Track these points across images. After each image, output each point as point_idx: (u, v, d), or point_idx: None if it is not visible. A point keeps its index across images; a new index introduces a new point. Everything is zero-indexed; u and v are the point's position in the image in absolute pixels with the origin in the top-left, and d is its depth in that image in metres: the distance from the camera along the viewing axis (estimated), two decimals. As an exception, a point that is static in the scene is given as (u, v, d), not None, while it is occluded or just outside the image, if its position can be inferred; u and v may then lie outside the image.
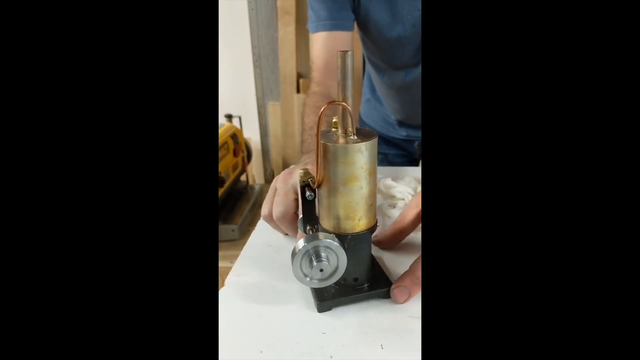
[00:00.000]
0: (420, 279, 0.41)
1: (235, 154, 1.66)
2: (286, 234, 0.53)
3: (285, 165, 2.10)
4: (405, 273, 0.42)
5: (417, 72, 0.80)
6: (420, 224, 0.48)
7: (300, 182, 0.41)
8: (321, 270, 0.38)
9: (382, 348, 0.35)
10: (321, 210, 0.40)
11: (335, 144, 0.36)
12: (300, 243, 0.37)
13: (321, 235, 0.37)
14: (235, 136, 1.68)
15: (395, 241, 0.49)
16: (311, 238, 0.37)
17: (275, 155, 2.24)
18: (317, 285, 0.39)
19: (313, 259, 0.37)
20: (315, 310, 0.40)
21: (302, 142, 0.65)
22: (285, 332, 0.37)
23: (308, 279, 0.39)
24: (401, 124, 0.94)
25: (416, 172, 0.72)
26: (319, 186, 0.39)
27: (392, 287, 0.41)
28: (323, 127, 0.61)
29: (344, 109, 0.37)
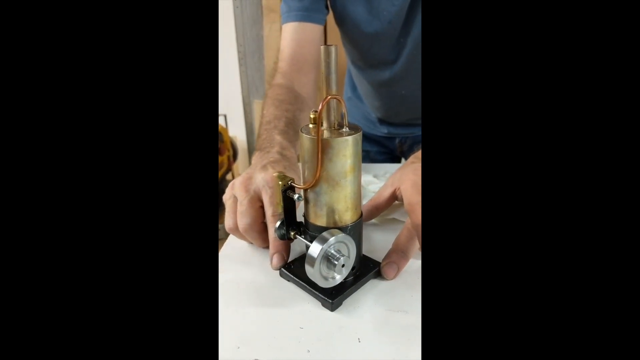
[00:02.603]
0: (405, 252, 0.44)
1: (220, 153, 1.66)
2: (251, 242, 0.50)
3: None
4: (391, 250, 0.44)
5: (396, 69, 0.80)
6: (395, 201, 0.51)
7: (281, 187, 0.40)
8: (343, 265, 0.38)
9: (359, 342, 0.36)
10: (314, 209, 0.40)
11: (337, 138, 0.36)
12: (315, 248, 0.36)
13: (327, 234, 0.37)
14: (220, 134, 1.67)
15: (371, 216, 0.52)
16: (322, 240, 0.37)
17: (261, 154, 2.23)
18: (337, 282, 0.39)
19: (332, 259, 0.37)
20: (289, 307, 0.40)
21: (258, 136, 0.60)
22: (262, 327, 0.37)
23: (330, 279, 0.39)
24: (382, 121, 0.94)
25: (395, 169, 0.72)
26: (314, 185, 0.38)
27: (382, 265, 0.43)
28: (282, 124, 0.59)
29: (337, 103, 0.37)
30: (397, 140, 0.96)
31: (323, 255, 0.37)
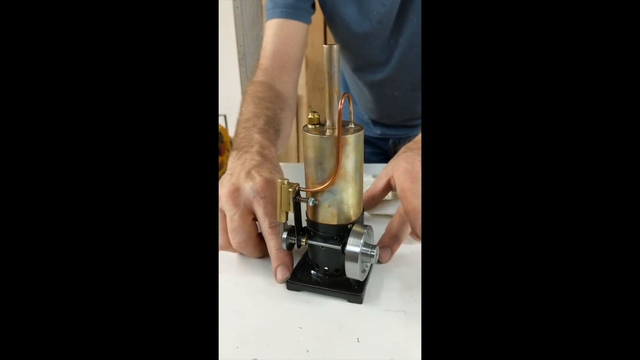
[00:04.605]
0: (398, 237, 0.46)
1: (220, 153, 1.66)
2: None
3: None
4: (384, 235, 0.47)
5: (388, 70, 0.80)
6: (390, 192, 0.52)
7: (291, 194, 0.38)
8: (377, 254, 0.40)
9: (358, 341, 0.36)
10: (328, 209, 0.39)
11: (352, 134, 0.37)
12: (354, 247, 0.38)
13: (354, 233, 0.39)
14: (220, 135, 1.67)
15: (368, 207, 0.53)
16: (357, 236, 0.39)
17: (261, 154, 2.23)
18: (367, 273, 0.42)
19: (367, 252, 0.39)
20: (288, 307, 0.40)
21: (236, 135, 0.56)
22: (261, 327, 0.37)
23: (364, 270, 0.41)
24: (375, 122, 0.95)
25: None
26: (330, 184, 0.37)
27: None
28: (261, 123, 0.57)
29: (336, 102, 0.37)
30: (390, 142, 0.97)
31: (362, 252, 0.39)
